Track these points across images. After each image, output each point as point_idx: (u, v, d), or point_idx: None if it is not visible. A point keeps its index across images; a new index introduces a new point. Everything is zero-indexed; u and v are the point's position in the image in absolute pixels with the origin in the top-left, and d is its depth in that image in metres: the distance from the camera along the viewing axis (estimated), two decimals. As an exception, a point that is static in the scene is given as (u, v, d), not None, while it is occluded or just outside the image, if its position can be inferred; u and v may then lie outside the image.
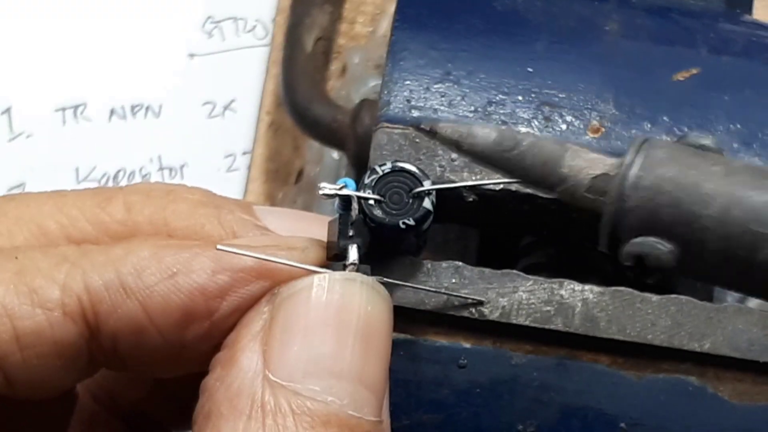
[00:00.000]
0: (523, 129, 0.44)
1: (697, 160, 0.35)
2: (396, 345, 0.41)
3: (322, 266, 0.40)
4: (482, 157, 0.38)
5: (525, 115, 0.45)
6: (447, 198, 0.43)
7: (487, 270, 0.43)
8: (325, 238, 0.41)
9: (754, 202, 0.34)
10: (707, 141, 0.37)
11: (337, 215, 0.41)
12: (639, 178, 0.35)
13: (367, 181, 0.41)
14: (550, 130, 0.45)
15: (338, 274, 0.39)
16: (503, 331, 0.42)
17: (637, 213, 0.35)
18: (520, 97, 0.46)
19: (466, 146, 0.39)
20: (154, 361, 0.41)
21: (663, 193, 0.35)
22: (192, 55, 0.86)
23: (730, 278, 0.35)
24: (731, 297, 0.68)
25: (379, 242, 0.41)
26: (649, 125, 0.45)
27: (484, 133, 0.38)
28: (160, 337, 0.40)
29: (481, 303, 0.42)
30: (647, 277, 0.35)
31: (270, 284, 0.40)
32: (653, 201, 0.35)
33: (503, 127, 0.38)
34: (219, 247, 0.39)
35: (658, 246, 0.34)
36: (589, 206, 0.36)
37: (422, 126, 0.43)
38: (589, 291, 0.42)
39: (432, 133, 0.40)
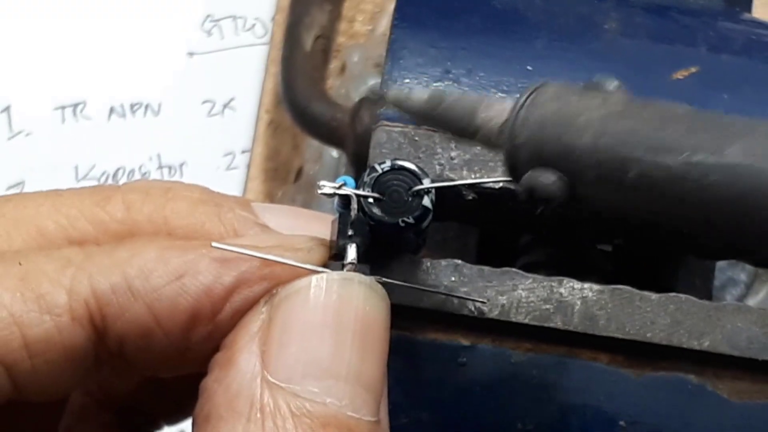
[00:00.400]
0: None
1: (579, 97, 0.38)
2: (395, 343, 0.41)
3: (325, 266, 0.40)
4: (419, 116, 0.40)
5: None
6: (446, 196, 0.43)
7: (486, 268, 0.42)
8: (324, 234, 0.41)
9: (620, 128, 0.37)
10: (610, 83, 0.39)
11: (337, 214, 0.41)
12: (526, 117, 0.38)
13: (366, 179, 0.41)
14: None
15: (336, 274, 0.39)
16: (502, 329, 0.42)
17: (525, 149, 0.38)
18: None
19: (405, 108, 0.40)
20: (158, 363, 0.41)
21: (545, 129, 0.38)
22: (191, 54, 0.86)
23: (612, 204, 0.37)
24: (730, 296, 0.68)
25: (378, 241, 0.41)
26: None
27: (418, 94, 0.40)
28: (166, 339, 0.39)
29: (483, 306, 0.42)
30: (539, 208, 0.37)
31: (273, 285, 0.39)
32: (537, 136, 0.38)
33: (434, 86, 0.41)
34: (214, 244, 0.39)
35: (546, 178, 0.36)
36: (502, 149, 0.38)
37: (373, 92, 0.45)
38: (589, 289, 0.42)
39: (382, 99, 0.42)
